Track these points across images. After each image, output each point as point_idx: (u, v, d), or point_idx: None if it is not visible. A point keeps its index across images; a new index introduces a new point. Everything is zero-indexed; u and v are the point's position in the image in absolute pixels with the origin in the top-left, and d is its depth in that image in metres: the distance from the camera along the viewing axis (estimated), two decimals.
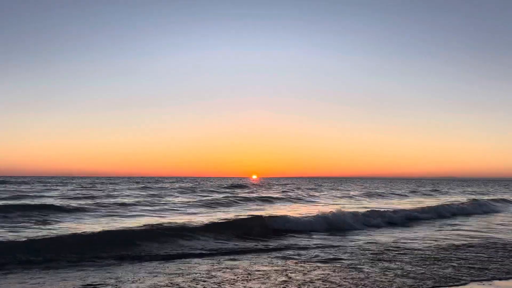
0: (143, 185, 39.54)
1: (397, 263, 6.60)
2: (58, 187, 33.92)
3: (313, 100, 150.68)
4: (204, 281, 5.39)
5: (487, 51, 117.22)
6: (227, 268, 6.24)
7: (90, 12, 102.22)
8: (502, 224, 13.24)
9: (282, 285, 5.22)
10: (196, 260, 6.94)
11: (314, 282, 5.37)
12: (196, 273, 5.85)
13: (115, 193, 26.23)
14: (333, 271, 5.99)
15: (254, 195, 25.98)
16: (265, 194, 27.82)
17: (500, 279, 5.79)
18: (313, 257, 7.16)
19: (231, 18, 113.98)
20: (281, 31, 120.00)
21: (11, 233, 9.00)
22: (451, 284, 5.45)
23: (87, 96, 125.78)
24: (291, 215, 12.57)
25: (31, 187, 33.35)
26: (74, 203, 16.68)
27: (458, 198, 27.72)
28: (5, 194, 22.96)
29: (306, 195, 27.94)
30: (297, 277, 5.62)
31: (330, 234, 10.42)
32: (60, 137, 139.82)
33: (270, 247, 8.30)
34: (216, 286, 5.18)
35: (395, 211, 14.71)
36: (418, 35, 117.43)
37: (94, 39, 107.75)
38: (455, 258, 7.08)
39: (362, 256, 7.19)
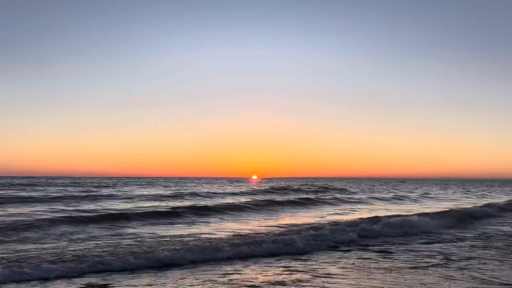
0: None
1: None
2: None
3: (313, 100, 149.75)
4: None
5: (487, 51, 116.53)
6: None
7: (91, 12, 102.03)
8: None
9: None
10: None
11: None
12: None
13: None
14: None
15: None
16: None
17: None
18: None
19: (231, 18, 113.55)
20: (281, 31, 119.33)
21: None
22: None
23: (87, 96, 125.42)
24: None
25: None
26: None
27: None
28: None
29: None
30: None
31: None
32: (60, 137, 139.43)
33: None
34: None
35: None
36: (418, 35, 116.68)
37: (95, 39, 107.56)
38: None
39: None
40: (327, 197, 27.96)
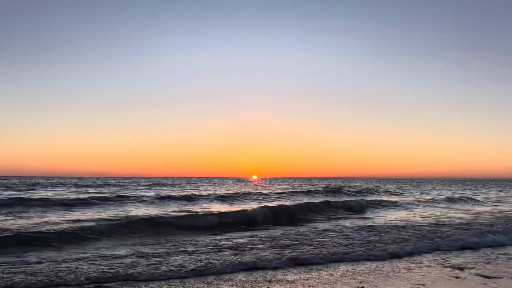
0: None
1: None
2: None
3: (313, 100, 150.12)
4: None
5: (487, 51, 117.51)
6: None
7: (91, 12, 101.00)
8: None
9: None
10: None
11: None
12: None
13: None
14: None
15: None
16: None
17: None
18: None
19: (231, 18, 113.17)
20: (281, 31, 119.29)
21: None
22: None
23: (87, 96, 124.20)
24: None
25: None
26: None
27: None
28: None
29: None
30: None
31: None
32: (60, 137, 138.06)
33: None
34: None
35: None
36: (418, 35, 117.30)
37: (95, 39, 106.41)
38: None
39: None
40: (404, 199, 28.88)
